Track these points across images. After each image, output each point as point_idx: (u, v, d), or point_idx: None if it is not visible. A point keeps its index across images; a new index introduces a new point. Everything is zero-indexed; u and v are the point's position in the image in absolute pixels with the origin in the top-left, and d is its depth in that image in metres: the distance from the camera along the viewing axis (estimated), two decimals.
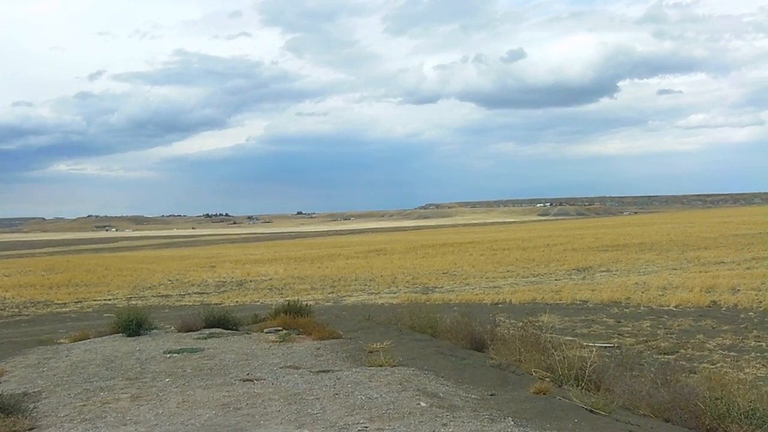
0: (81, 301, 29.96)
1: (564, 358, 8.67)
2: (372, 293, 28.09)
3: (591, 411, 6.74)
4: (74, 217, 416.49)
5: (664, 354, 13.14)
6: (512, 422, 6.33)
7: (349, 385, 7.97)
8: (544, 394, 7.36)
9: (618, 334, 15.46)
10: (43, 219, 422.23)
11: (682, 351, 13.40)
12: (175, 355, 10.58)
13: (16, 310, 27.65)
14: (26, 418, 6.99)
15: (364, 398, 7.32)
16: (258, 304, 25.15)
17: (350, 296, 27.27)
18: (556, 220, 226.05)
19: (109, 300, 30.15)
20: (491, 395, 7.54)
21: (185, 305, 25.84)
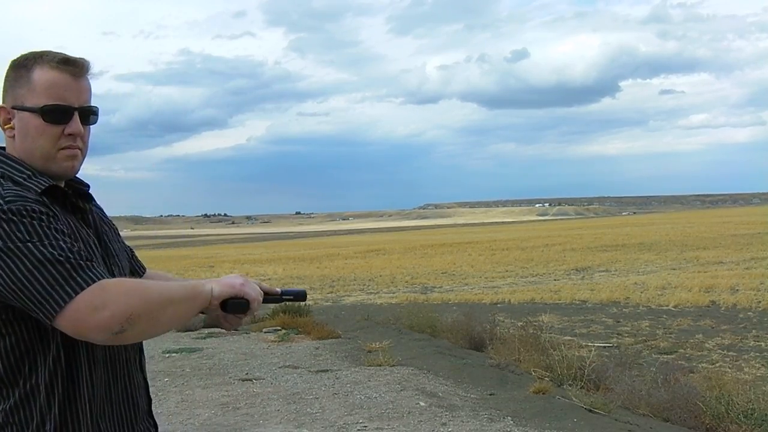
0: None
1: (563, 357, 8.67)
2: (371, 293, 28.06)
3: (590, 410, 6.74)
4: None
5: (663, 354, 13.11)
6: (511, 422, 6.33)
7: (348, 385, 7.96)
8: (543, 393, 7.35)
9: (617, 334, 15.44)
10: None
11: (681, 351, 13.38)
12: (173, 354, 10.57)
13: None
14: None
15: (363, 397, 7.31)
16: None
17: (349, 296, 27.24)
18: (555, 220, 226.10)
19: None
20: (490, 395, 7.53)
21: None
